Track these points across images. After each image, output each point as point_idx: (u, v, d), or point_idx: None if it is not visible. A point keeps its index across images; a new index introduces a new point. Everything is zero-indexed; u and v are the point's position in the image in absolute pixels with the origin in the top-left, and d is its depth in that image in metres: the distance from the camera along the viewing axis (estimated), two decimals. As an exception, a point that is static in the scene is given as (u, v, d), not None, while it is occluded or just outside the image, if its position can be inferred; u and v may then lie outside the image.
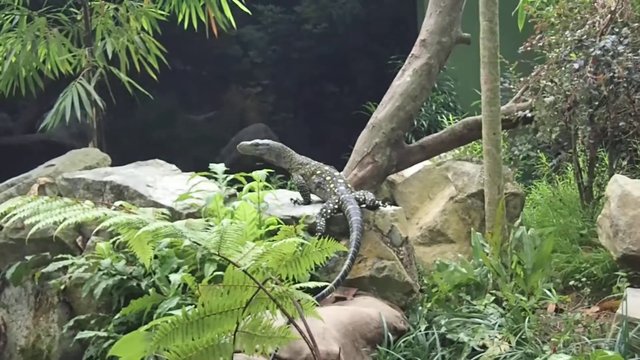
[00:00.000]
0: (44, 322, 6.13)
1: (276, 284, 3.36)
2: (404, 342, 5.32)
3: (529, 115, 7.54)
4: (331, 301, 5.57)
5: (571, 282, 6.32)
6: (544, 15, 7.89)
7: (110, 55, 8.75)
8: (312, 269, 3.46)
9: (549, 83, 7.39)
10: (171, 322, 3.19)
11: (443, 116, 11.32)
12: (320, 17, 14.19)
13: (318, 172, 6.33)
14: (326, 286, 5.06)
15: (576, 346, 4.97)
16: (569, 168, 8.43)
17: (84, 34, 9.03)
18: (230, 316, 3.29)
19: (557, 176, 8.62)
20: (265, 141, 6.64)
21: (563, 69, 7.25)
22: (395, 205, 7.31)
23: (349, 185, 6.22)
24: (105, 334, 5.24)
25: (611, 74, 6.84)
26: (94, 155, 7.27)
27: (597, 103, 7.19)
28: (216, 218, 5.63)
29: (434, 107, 12.08)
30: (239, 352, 3.45)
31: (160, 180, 6.63)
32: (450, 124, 9.94)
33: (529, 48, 7.84)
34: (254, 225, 5.67)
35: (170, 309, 4.89)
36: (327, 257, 3.47)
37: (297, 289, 3.41)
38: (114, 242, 5.68)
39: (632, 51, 6.95)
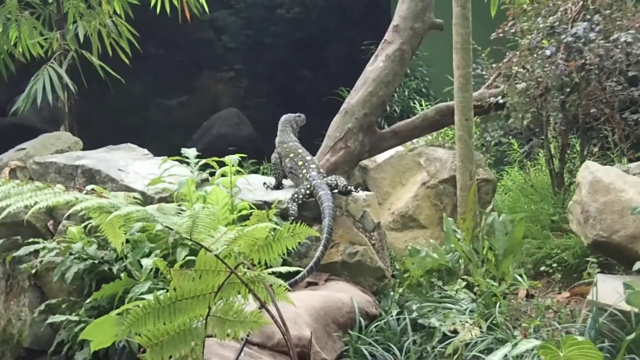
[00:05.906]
0: (15, 306, 6.10)
1: (248, 268, 3.35)
2: (375, 327, 5.33)
3: (501, 101, 7.59)
4: (303, 286, 5.57)
5: (542, 268, 6.38)
6: (517, 2, 7.94)
7: (82, 39, 8.70)
8: (284, 254, 3.46)
9: (521, 70, 7.43)
10: (143, 307, 3.18)
11: (416, 102, 11.34)
12: (293, 2, 14.16)
13: (291, 154, 6.30)
14: (298, 271, 5.06)
15: (546, 331, 5.01)
16: (540, 154, 8.48)
17: (55, 17, 8.96)
18: (202, 301, 3.28)
19: (528, 162, 8.68)
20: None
21: (535, 55, 7.29)
22: (368, 190, 7.33)
23: (321, 171, 6.19)
24: (76, 318, 5.21)
25: (582, 61, 6.88)
26: (66, 139, 7.23)
27: (568, 90, 7.24)
28: (188, 202, 5.60)
29: (406, 93, 12.11)
30: (211, 336, 3.44)
31: (132, 164, 6.61)
32: (422, 109, 9.95)
33: (501, 34, 7.88)
34: (226, 210, 5.66)
35: (141, 294, 4.88)
36: (299, 242, 3.47)
37: (269, 273, 3.41)
38: (85, 226, 5.66)
39: (604, 38, 7.00)
